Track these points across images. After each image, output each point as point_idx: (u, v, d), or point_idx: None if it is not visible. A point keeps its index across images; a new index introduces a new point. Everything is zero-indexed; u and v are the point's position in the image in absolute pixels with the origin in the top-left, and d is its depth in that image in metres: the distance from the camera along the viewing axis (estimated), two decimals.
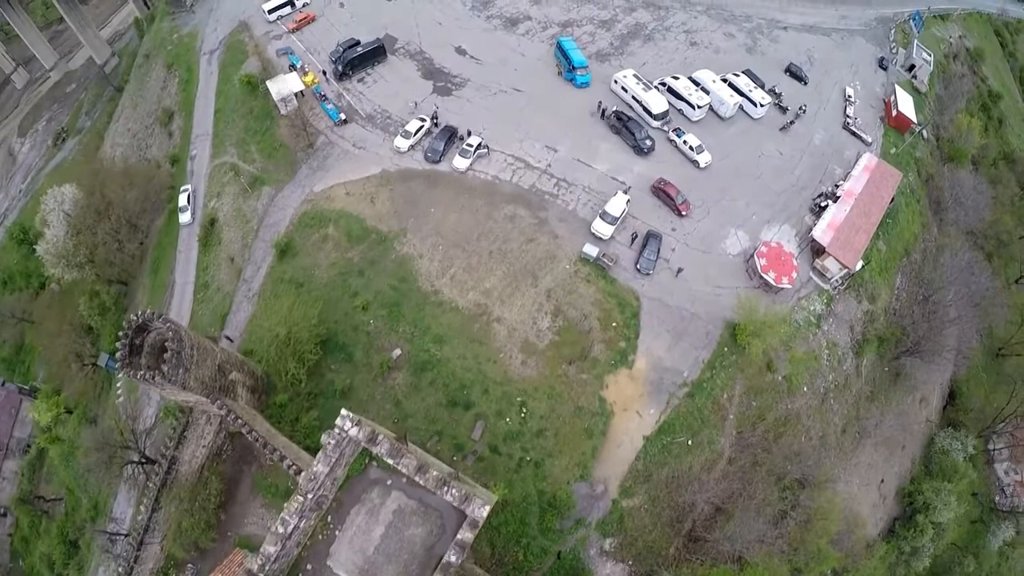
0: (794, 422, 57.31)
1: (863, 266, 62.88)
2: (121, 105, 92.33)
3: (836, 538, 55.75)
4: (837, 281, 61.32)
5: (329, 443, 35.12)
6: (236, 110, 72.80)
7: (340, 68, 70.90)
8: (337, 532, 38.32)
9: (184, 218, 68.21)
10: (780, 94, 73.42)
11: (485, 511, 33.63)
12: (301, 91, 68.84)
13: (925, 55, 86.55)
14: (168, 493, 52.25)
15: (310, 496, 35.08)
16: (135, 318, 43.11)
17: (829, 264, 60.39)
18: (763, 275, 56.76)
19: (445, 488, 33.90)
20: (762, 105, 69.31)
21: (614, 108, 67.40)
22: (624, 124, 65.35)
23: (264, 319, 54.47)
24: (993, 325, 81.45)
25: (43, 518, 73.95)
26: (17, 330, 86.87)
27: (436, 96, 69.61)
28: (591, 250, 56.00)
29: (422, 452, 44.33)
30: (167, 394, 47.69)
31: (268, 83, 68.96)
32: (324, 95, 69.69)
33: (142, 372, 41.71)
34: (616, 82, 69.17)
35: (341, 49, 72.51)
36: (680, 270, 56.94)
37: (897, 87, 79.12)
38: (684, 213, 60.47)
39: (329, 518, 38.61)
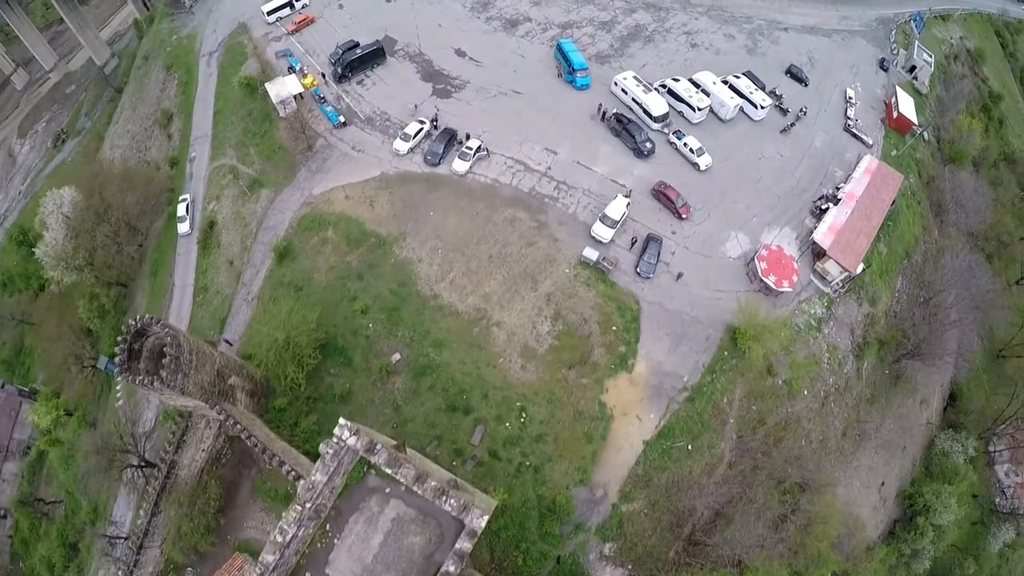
0: (794, 426, 57.22)
1: (864, 269, 62.75)
2: (120, 106, 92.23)
3: (836, 541, 55.72)
4: (838, 284, 61.20)
5: (327, 452, 35.06)
6: (235, 112, 72.67)
7: (339, 70, 70.73)
8: (336, 540, 38.26)
9: (183, 228, 67.78)
10: (781, 96, 73.23)
11: (483, 521, 33.56)
12: (300, 93, 68.70)
13: (926, 56, 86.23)
14: (168, 497, 52.23)
15: (308, 505, 35.03)
16: (133, 323, 43.07)
17: (830, 267, 60.25)
18: (764, 279, 56.62)
19: (444, 498, 33.81)
20: (763, 107, 69.12)
21: (614, 110, 67.24)
22: (624, 126, 65.19)
23: (263, 323, 54.36)
24: (994, 327, 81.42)
25: (43, 520, 73.98)
26: (17, 332, 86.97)
27: (435, 98, 69.45)
28: (591, 254, 55.88)
29: (421, 458, 44.25)
30: (166, 399, 47.64)
31: (267, 85, 68.84)
32: (323, 97, 69.54)
33: (141, 377, 41.68)
34: (616, 84, 69.00)
35: (340, 51, 72.32)
36: (680, 275, 56.79)
37: (898, 88, 78.85)
38: (684, 216, 60.32)
39: (328, 526, 38.55)
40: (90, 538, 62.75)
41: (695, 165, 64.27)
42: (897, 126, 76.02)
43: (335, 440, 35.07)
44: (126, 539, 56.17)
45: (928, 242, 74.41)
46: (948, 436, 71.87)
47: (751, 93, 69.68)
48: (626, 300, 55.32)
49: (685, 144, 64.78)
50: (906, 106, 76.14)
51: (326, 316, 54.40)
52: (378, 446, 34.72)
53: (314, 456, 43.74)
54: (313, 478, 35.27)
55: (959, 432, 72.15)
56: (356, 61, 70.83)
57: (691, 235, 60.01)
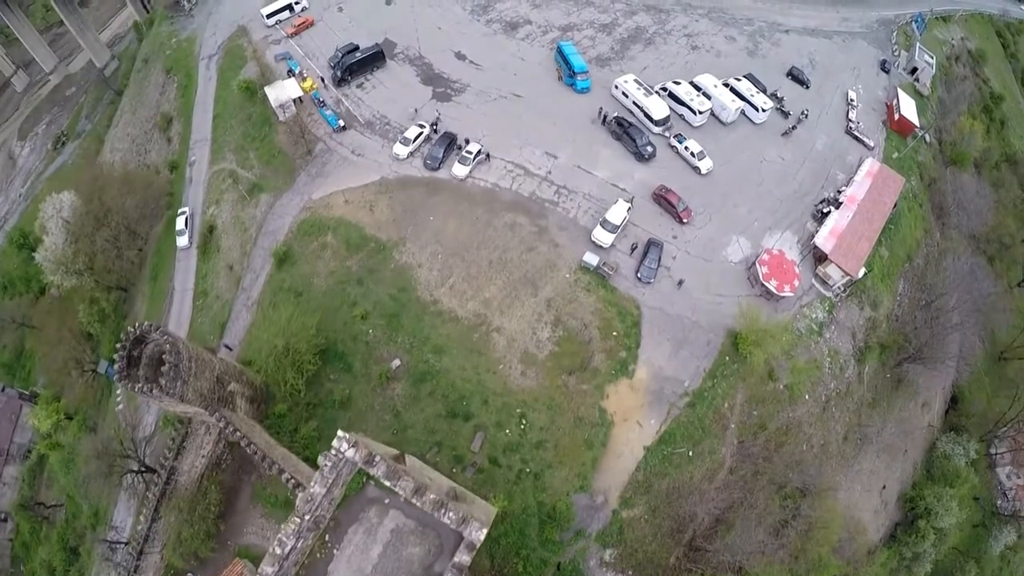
0: (795, 430, 57.06)
1: (865, 273, 62.51)
2: (120, 109, 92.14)
3: (838, 546, 55.71)
4: (839, 288, 60.99)
5: (326, 465, 34.94)
6: (235, 116, 72.53)
7: (339, 73, 70.48)
8: (335, 551, 38.23)
9: (182, 241, 67.41)
10: (782, 98, 72.94)
11: (482, 534, 33.44)
12: (299, 97, 68.50)
13: (927, 57, 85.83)
14: (168, 503, 52.33)
15: (307, 517, 34.92)
16: (133, 330, 42.96)
17: (831, 271, 60.03)
18: (765, 283, 56.41)
19: (443, 510, 33.70)
20: (764, 110, 68.82)
21: (615, 114, 66.96)
22: (625, 130, 64.94)
23: (263, 329, 54.32)
24: (995, 329, 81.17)
25: (43, 524, 74.08)
26: (17, 335, 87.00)
27: (435, 102, 69.22)
28: (591, 259, 55.69)
29: (421, 465, 44.13)
30: (165, 406, 47.66)
31: (266, 89, 68.64)
32: (323, 101, 69.35)
33: (140, 384, 41.62)
34: (617, 87, 68.73)
35: (340, 54, 72.04)
36: (681, 281, 56.51)
37: (899, 90, 78.56)
38: (685, 220, 60.08)
39: (327, 537, 38.50)
40: (91, 543, 62.84)
41: (696, 169, 64.02)
42: (899, 128, 75.74)
43: (333, 452, 34.96)
44: (126, 544, 56.25)
45: (930, 245, 74.15)
46: (949, 439, 71.71)
47: (752, 96, 69.36)
48: (627, 305, 55.13)
49: (686, 148, 64.53)
50: (908, 108, 75.87)
51: (326, 322, 54.30)
52: (377, 458, 34.61)
53: (314, 462, 43.66)
54: (312, 490, 35.18)
55: (960, 435, 71.99)
56: (356, 64, 70.58)
57: (692, 239, 59.77)
